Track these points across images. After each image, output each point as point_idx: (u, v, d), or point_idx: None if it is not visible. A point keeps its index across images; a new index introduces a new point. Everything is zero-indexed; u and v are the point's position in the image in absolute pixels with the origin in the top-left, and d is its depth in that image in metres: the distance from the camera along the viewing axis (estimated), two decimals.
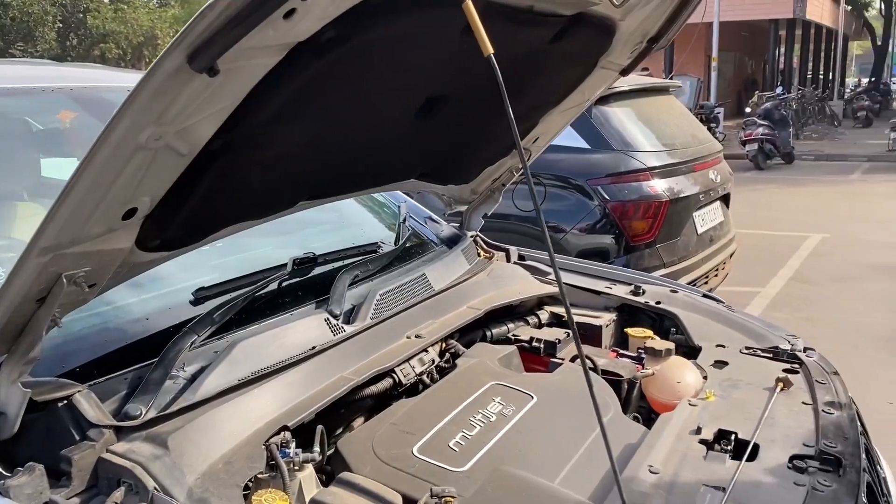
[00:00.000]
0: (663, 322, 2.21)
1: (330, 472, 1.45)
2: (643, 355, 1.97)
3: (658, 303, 2.22)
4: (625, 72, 2.18)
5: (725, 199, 4.90)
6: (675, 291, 2.31)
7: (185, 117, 1.01)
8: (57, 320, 1.19)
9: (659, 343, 1.95)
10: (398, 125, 1.66)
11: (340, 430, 1.67)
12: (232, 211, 1.44)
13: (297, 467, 1.33)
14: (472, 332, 2.04)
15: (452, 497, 1.25)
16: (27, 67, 2.68)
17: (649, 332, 2.09)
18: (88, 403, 1.26)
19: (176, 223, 1.28)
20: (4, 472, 1.16)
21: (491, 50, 1.11)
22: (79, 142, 2.27)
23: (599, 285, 2.34)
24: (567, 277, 2.38)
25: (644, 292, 2.28)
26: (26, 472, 1.13)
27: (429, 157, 2.00)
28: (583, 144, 4.12)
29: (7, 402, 1.21)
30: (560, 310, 2.25)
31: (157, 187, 1.14)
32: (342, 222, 2.60)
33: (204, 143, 1.11)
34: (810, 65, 30.58)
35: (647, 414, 1.83)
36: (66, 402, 1.26)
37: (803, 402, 1.66)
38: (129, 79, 2.60)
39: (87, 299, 1.25)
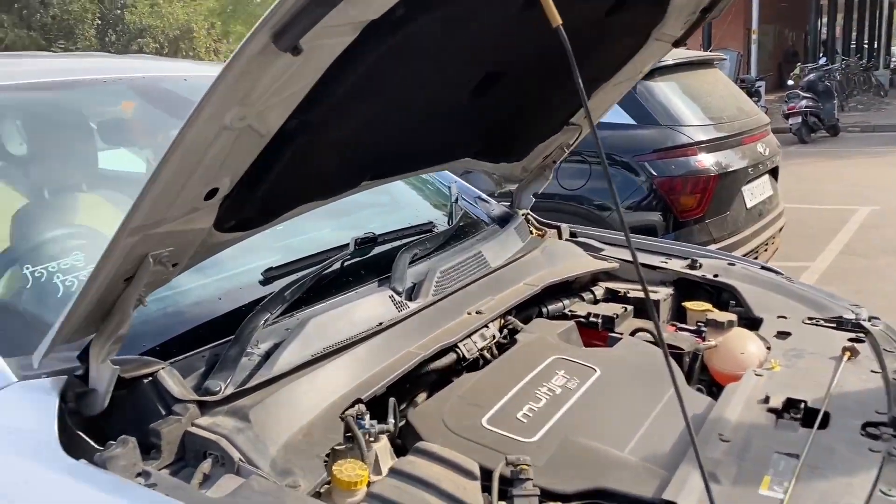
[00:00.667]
0: (721, 295, 2.19)
1: (401, 444, 1.48)
2: (703, 328, 1.96)
3: (715, 276, 2.21)
4: (677, 43, 2.16)
5: (774, 173, 4.82)
6: (733, 264, 2.29)
7: (268, 98, 1.04)
8: (143, 299, 1.24)
9: (721, 315, 1.94)
10: (456, 103, 1.68)
11: (404, 404, 1.70)
12: (302, 191, 1.47)
13: (372, 438, 1.37)
14: (528, 309, 2.06)
15: (527, 465, 1.27)
16: (87, 60, 2.74)
17: (708, 305, 2.08)
18: (172, 380, 1.31)
19: (251, 204, 1.32)
20: (96, 446, 1.21)
21: (559, 21, 1.12)
22: (140, 131, 2.33)
23: (655, 260, 2.33)
24: (622, 253, 2.38)
25: (701, 266, 2.27)
26: (120, 445, 1.17)
27: (483, 135, 2.01)
28: (628, 120, 4.08)
29: (98, 379, 1.26)
30: (615, 285, 2.25)
31: (237, 168, 1.17)
32: (394, 204, 2.63)
33: (281, 124, 1.14)
34: (854, 34, 29.67)
35: (708, 386, 1.83)
36: (150, 378, 1.31)
37: (872, 371, 1.64)
38: (182, 67, 2.66)
39: (169, 279, 1.29)
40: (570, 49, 1.11)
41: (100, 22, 32.85)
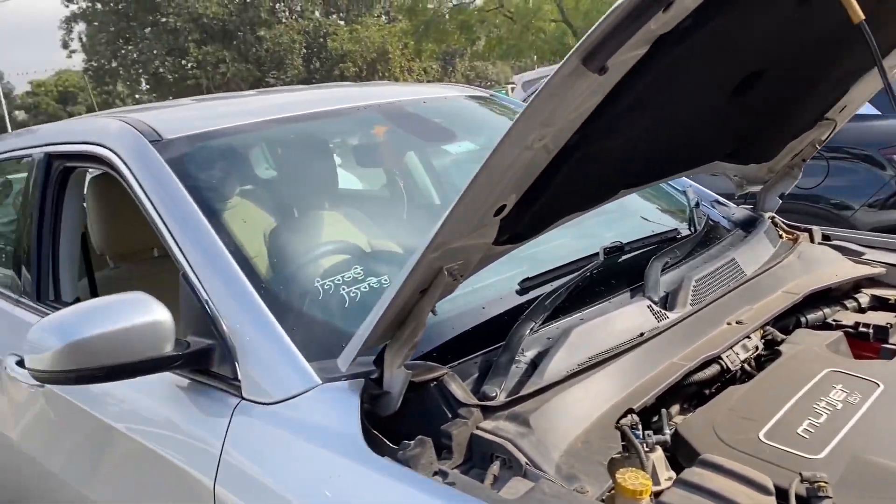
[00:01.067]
0: None
1: (670, 455, 1.46)
2: None
3: None
4: None
5: None
6: None
7: (565, 116, 1.08)
8: (434, 308, 1.34)
9: None
10: (715, 105, 1.64)
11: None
12: (568, 203, 1.51)
13: (648, 449, 1.36)
14: (784, 319, 1.95)
15: (825, 482, 1.20)
16: (329, 91, 2.99)
17: None
18: (456, 384, 1.39)
19: (525, 218, 1.37)
20: (391, 445, 1.32)
21: (861, 16, 1.06)
22: (390, 152, 2.51)
23: None
24: (887, 256, 2.19)
25: None
26: (419, 445, 1.27)
27: (736, 137, 1.94)
28: (871, 110, 3.73)
29: (392, 383, 1.37)
30: (883, 292, 2.07)
31: (524, 185, 1.23)
32: (624, 212, 2.60)
33: (566, 140, 1.18)
34: None
35: None
36: (436, 382, 1.40)
37: None
38: (414, 91, 2.81)
39: (453, 289, 1.38)
40: (874, 44, 1.04)
41: (306, 51, 35.80)
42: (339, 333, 1.56)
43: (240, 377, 1.52)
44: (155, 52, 34.76)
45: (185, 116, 2.33)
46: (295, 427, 1.41)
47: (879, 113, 3.73)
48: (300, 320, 1.59)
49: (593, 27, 0.93)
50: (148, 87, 38.38)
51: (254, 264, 1.70)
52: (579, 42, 0.95)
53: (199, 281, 1.63)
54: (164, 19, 33.91)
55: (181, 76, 34.61)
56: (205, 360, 1.58)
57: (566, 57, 0.96)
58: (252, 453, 1.46)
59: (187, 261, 1.66)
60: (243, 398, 1.51)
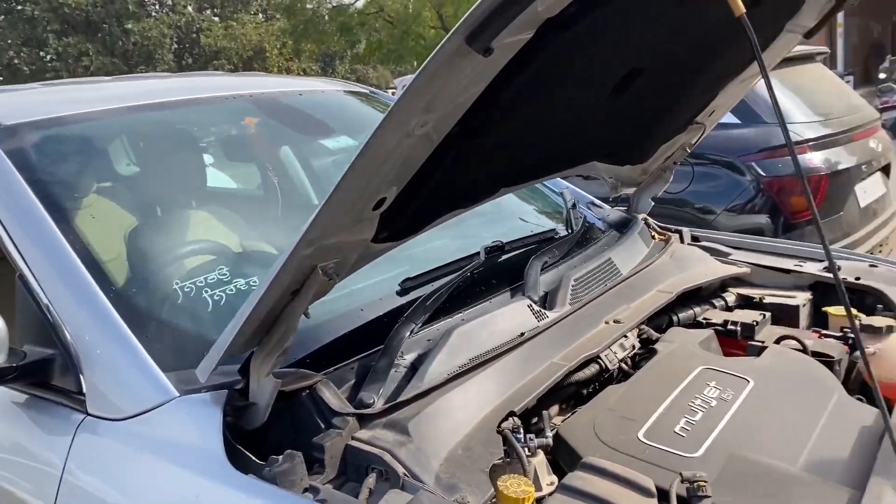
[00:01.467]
0: (864, 299, 2.06)
1: (551, 459, 1.43)
2: (848, 334, 1.84)
3: (857, 279, 2.08)
4: (809, 34, 2.06)
5: (886, 170, 4.56)
6: (875, 266, 2.15)
7: (448, 102, 1.01)
8: (307, 311, 1.23)
9: (879, 320, 1.81)
10: (595, 103, 1.63)
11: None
12: (449, 200, 1.45)
13: (530, 453, 1.32)
14: (657, 317, 1.98)
15: (705, 482, 1.20)
16: (198, 79, 2.80)
17: (853, 310, 1.95)
18: (330, 392, 1.30)
19: (405, 214, 1.30)
20: (258, 461, 1.21)
21: (742, 10, 1.06)
22: (263, 146, 2.37)
23: (788, 263, 2.22)
24: (751, 257, 2.28)
25: (839, 269, 2.14)
26: (287, 460, 1.16)
27: (614, 137, 1.95)
28: (731, 119, 3.92)
29: (259, 393, 1.26)
30: (748, 291, 2.15)
31: (404, 176, 1.15)
32: (502, 212, 2.58)
33: (449, 129, 1.11)
34: None
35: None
36: (308, 391, 1.30)
37: None
38: (290, 83, 2.68)
39: (328, 290, 1.28)
40: (754, 38, 1.04)
41: (177, 46, 34.23)
42: (201, 340, 1.43)
43: (85, 391, 1.36)
44: (10, 41, 32.11)
45: (29, 101, 2.09)
46: (148, 444, 1.27)
47: (739, 122, 3.94)
48: (155, 327, 1.45)
49: (476, 6, 0.87)
50: (1, 78, 35.45)
51: (104, 266, 1.53)
52: (462, 19, 0.88)
53: (39, 283, 1.44)
54: (20, 7, 31.41)
55: (39, 68, 32.17)
56: (44, 373, 1.40)
57: (448, 35, 0.89)
58: (98, 474, 1.31)
59: (25, 261, 1.47)
60: (88, 414, 1.35)
